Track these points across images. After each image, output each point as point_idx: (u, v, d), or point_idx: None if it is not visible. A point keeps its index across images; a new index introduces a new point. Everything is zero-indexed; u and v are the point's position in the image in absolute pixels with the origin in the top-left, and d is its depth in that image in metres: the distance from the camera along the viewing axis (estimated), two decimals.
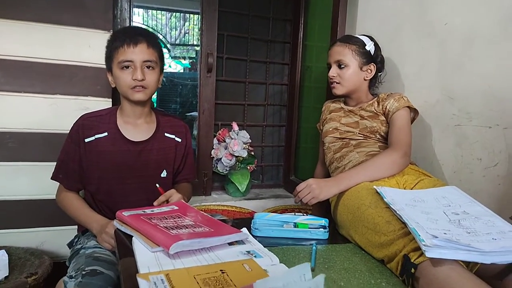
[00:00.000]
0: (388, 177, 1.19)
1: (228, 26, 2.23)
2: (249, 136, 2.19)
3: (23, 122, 1.67)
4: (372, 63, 1.41)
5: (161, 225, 0.96)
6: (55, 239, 1.74)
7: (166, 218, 1.03)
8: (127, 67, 1.22)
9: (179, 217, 1.06)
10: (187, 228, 0.97)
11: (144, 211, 1.08)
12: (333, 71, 1.41)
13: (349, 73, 1.39)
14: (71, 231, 1.41)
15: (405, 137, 1.26)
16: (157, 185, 1.25)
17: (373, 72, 1.42)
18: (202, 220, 1.04)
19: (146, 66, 1.23)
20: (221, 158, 2.12)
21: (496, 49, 1.16)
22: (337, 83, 1.41)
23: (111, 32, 1.73)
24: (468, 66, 1.25)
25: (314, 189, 1.16)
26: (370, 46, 1.41)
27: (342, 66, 1.39)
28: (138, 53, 1.21)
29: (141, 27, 1.34)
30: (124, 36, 1.23)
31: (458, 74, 1.29)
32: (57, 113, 1.71)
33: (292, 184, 2.36)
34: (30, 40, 1.64)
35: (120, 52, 1.22)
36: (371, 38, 1.45)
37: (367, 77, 1.42)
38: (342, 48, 1.39)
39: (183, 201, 1.20)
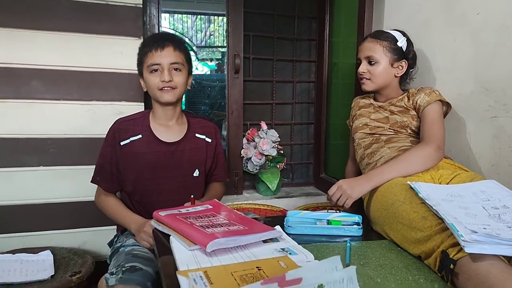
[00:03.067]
0: (421, 172, 1.17)
1: (253, 26, 2.24)
2: (278, 135, 2.20)
3: (62, 128, 1.76)
4: (404, 60, 1.39)
5: (197, 224, 0.99)
6: (96, 239, 1.82)
7: (201, 217, 1.06)
8: (155, 70, 1.28)
9: (213, 216, 1.08)
10: (222, 226, 0.99)
11: (179, 211, 1.11)
12: (363, 67, 1.39)
13: (379, 69, 1.37)
14: (111, 231, 1.47)
15: (438, 131, 1.24)
16: (192, 196, 1.28)
17: (404, 69, 1.39)
18: (236, 219, 1.06)
19: (174, 68, 1.29)
20: (251, 158, 2.14)
21: None
22: (367, 79, 1.40)
23: (142, 39, 1.80)
24: (504, 56, 1.21)
25: (346, 189, 1.16)
26: (402, 42, 1.38)
27: (372, 62, 1.37)
28: (165, 56, 1.27)
29: (168, 33, 1.40)
30: (152, 42, 1.30)
31: (493, 64, 1.25)
32: (94, 119, 1.79)
33: (323, 181, 2.35)
34: (66, 49, 1.73)
35: (149, 56, 1.28)
36: (404, 34, 1.42)
37: (398, 73, 1.39)
38: (373, 44, 1.37)
39: (217, 200, 1.23)
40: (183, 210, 1.12)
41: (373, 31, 1.67)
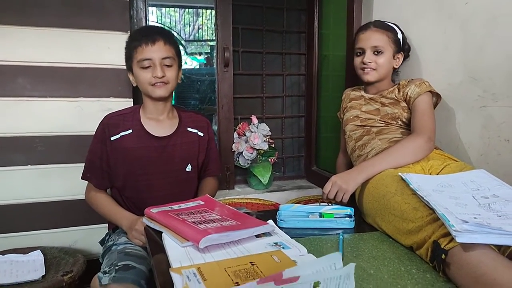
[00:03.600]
0: (412, 163, 1.18)
1: (242, 19, 2.23)
2: (269, 129, 2.20)
3: (50, 126, 1.73)
4: (401, 52, 1.40)
5: (189, 220, 0.99)
6: (87, 237, 1.81)
7: (193, 213, 1.05)
8: (147, 65, 1.25)
9: (205, 212, 1.08)
10: (214, 222, 0.98)
11: (171, 207, 1.11)
12: (370, 57, 1.36)
13: (383, 60, 1.36)
14: (102, 229, 1.46)
15: (428, 122, 1.24)
16: None
17: (401, 61, 1.40)
18: (228, 214, 1.06)
19: (165, 64, 1.27)
20: (242, 152, 2.14)
21: None
22: (372, 69, 1.37)
23: (129, 33, 1.77)
24: (492, 46, 1.22)
25: (341, 185, 1.15)
26: (400, 35, 1.39)
27: (378, 52, 1.36)
28: (156, 51, 1.25)
29: (156, 26, 1.37)
30: (141, 36, 1.27)
31: (481, 54, 1.26)
32: (82, 115, 1.76)
33: (314, 174, 2.35)
34: (52, 45, 1.69)
35: (139, 51, 1.25)
36: (398, 27, 1.42)
37: (396, 65, 1.40)
38: (379, 34, 1.36)
39: (208, 196, 1.22)
40: (175, 207, 1.11)
41: (363, 23, 1.67)
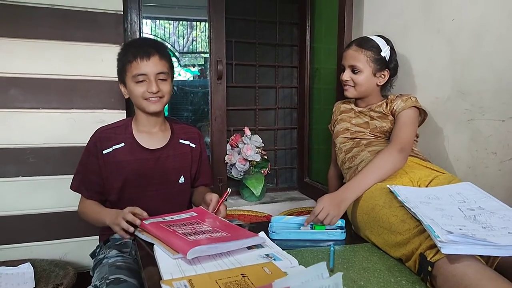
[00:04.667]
0: (394, 173, 1.19)
1: (235, 32, 2.26)
2: (261, 140, 2.21)
3: (42, 137, 1.72)
4: (386, 69, 1.40)
5: (180, 231, 0.99)
6: (77, 249, 1.79)
7: (185, 225, 1.06)
8: (141, 80, 1.25)
9: (197, 223, 1.08)
10: (204, 233, 0.99)
11: (164, 219, 1.11)
12: (347, 75, 1.40)
13: (361, 78, 1.38)
14: (93, 241, 1.45)
15: (404, 133, 1.26)
16: (228, 190, 1.27)
17: (386, 78, 1.41)
18: (220, 226, 1.06)
19: (159, 78, 1.27)
20: (235, 164, 2.15)
21: (506, 43, 1.16)
22: (350, 86, 1.41)
23: (122, 45, 1.78)
24: (478, 61, 1.25)
25: (330, 210, 1.12)
26: (386, 52, 1.39)
27: (355, 71, 1.38)
28: (151, 66, 1.24)
29: (150, 39, 1.37)
30: (136, 50, 1.26)
31: (468, 69, 1.29)
32: (74, 127, 1.76)
33: (307, 186, 2.36)
34: (45, 57, 1.70)
35: (133, 65, 1.25)
36: (388, 41, 1.42)
37: (380, 82, 1.41)
38: (357, 54, 1.37)
39: (203, 208, 1.23)
40: (168, 218, 1.12)
41: (354, 37, 1.71)
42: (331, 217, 1.12)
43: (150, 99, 1.27)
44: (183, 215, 1.15)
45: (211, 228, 1.04)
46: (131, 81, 1.26)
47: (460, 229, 0.78)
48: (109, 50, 1.77)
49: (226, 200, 1.24)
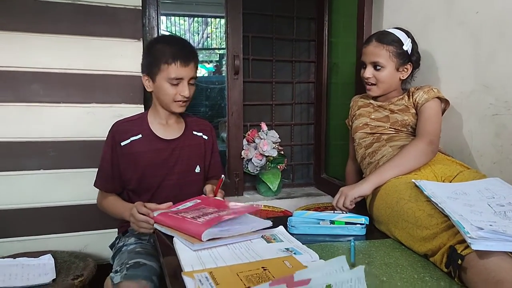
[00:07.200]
0: (418, 168, 1.18)
1: (252, 27, 2.24)
2: (278, 136, 2.20)
3: (62, 131, 1.75)
4: (409, 63, 1.37)
5: (189, 216, 1.01)
6: (97, 242, 1.81)
7: (192, 211, 1.08)
8: (175, 83, 1.28)
9: (203, 208, 1.10)
10: (212, 214, 1.02)
11: (170, 209, 1.13)
12: (369, 72, 1.36)
13: (384, 74, 1.35)
14: (112, 233, 1.46)
15: (431, 126, 1.24)
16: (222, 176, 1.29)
17: (409, 71, 1.38)
18: (225, 206, 1.10)
19: (190, 83, 1.31)
20: (251, 159, 2.14)
21: None
22: (373, 84, 1.38)
23: (141, 41, 1.79)
24: (503, 54, 1.21)
25: (347, 191, 1.19)
26: (407, 45, 1.35)
27: (378, 67, 1.35)
28: (188, 71, 1.29)
29: (187, 41, 1.38)
30: (176, 51, 1.27)
31: (493, 62, 1.25)
32: (94, 121, 1.78)
33: (324, 182, 2.34)
34: (66, 52, 1.72)
35: (172, 68, 1.26)
36: (408, 34, 1.38)
37: (403, 76, 1.38)
38: (378, 50, 1.33)
39: (204, 195, 1.24)
40: (174, 208, 1.13)
41: (373, 31, 1.67)
42: (343, 198, 1.17)
43: (180, 101, 1.31)
44: (188, 204, 1.17)
45: (216, 209, 1.06)
46: (165, 81, 1.28)
47: (491, 225, 0.75)
48: (128, 45, 1.79)
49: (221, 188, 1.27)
